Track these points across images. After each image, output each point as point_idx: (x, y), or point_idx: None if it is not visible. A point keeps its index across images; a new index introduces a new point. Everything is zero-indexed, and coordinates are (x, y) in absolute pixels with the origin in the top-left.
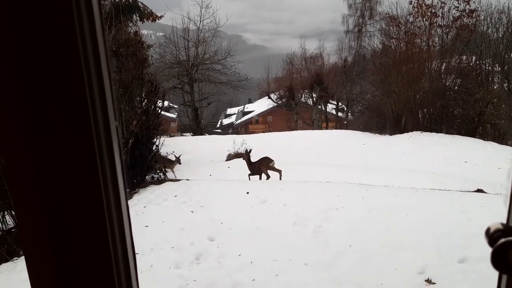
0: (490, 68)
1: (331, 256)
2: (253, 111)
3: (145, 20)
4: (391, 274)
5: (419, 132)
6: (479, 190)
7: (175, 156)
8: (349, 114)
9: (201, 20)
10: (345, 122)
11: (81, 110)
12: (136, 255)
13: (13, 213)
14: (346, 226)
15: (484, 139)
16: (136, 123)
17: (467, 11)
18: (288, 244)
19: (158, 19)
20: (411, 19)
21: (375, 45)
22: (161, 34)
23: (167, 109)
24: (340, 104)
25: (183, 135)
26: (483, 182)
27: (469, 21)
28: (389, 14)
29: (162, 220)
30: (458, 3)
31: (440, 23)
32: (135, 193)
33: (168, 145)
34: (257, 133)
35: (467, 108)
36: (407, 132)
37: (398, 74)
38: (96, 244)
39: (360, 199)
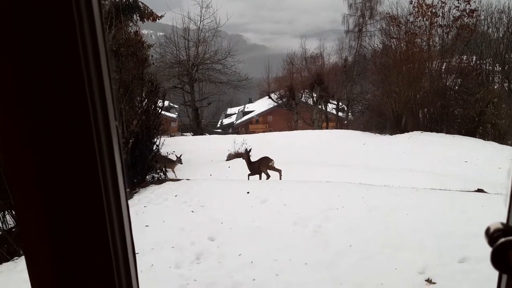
0: (490, 68)
1: (331, 255)
2: (253, 111)
3: (145, 20)
4: (391, 274)
5: (419, 132)
6: (479, 190)
7: (176, 156)
8: (349, 114)
9: (202, 20)
10: (345, 122)
11: (81, 110)
12: (137, 255)
13: (14, 212)
14: (346, 226)
15: (484, 139)
16: (137, 123)
17: (467, 11)
18: (288, 244)
19: (159, 19)
20: (411, 19)
21: (376, 45)
22: (161, 34)
23: (168, 109)
24: (340, 104)
25: (183, 135)
26: (484, 181)
27: (470, 21)
28: (389, 14)
29: (163, 220)
30: (458, 3)
31: (440, 23)
32: (136, 192)
33: (168, 145)
34: (258, 133)
35: (467, 108)
36: (408, 132)
37: (399, 74)
38: (96, 244)
39: (360, 199)
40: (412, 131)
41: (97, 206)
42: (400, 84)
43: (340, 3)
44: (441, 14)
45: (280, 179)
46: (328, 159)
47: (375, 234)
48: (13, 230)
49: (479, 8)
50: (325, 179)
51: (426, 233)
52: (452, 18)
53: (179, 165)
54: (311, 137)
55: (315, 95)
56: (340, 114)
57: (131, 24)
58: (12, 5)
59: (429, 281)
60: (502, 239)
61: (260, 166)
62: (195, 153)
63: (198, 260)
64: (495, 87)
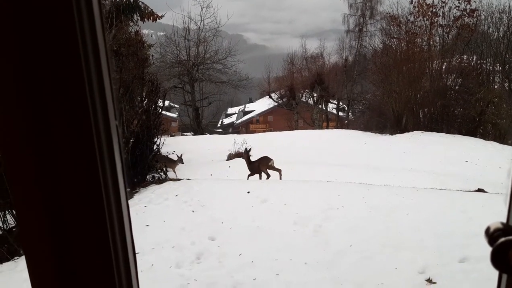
0: (491, 67)
1: (332, 255)
2: (253, 110)
3: (146, 19)
4: (392, 273)
5: (420, 131)
6: (480, 190)
7: (177, 155)
8: (349, 113)
9: (202, 19)
10: (345, 121)
11: (81, 110)
12: (137, 255)
13: (14, 212)
14: (347, 226)
15: (485, 139)
16: (137, 123)
17: (468, 10)
18: (288, 244)
19: (159, 19)
20: (412, 19)
21: (376, 45)
22: (162, 33)
23: (168, 109)
24: (341, 103)
25: (184, 135)
26: (484, 181)
27: (470, 21)
28: (389, 13)
29: (163, 220)
30: (459, 2)
31: (441, 23)
32: (136, 192)
33: (169, 145)
34: (258, 132)
35: (468, 107)
36: (408, 131)
37: (399, 74)
38: (96, 244)
39: (360, 199)
40: (412, 131)
41: (97, 206)
42: (400, 84)
43: (340, 3)
44: (441, 14)
45: (280, 178)
46: (329, 159)
47: (375, 234)
48: (14, 229)
49: (480, 8)
50: (326, 179)
51: (427, 233)
52: (452, 18)
53: (180, 164)
54: (312, 137)
55: (315, 95)
56: (340, 114)
57: (131, 24)
58: (12, 5)
59: (429, 280)
60: (502, 239)
61: (260, 166)
62: (196, 153)
63: (199, 260)
64: (496, 86)
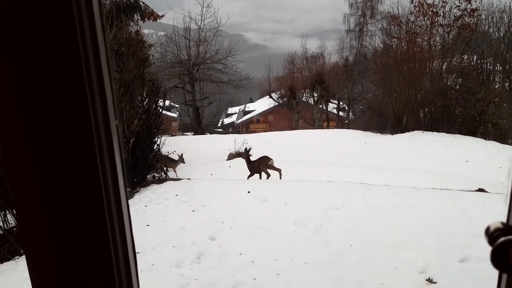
0: (491, 67)
1: (332, 255)
2: (254, 110)
3: (146, 19)
4: (392, 273)
5: (420, 131)
6: (480, 190)
7: (178, 155)
8: (350, 113)
9: (202, 19)
10: (346, 121)
11: (81, 110)
12: (137, 254)
13: (14, 212)
14: (347, 226)
15: (485, 139)
16: (138, 122)
17: (468, 10)
18: (289, 244)
19: (159, 19)
20: (412, 18)
21: (376, 45)
22: (162, 33)
23: (168, 109)
24: (341, 103)
25: (184, 135)
26: (485, 181)
27: (471, 20)
28: (390, 13)
29: (163, 219)
30: (459, 2)
31: (441, 22)
32: (136, 192)
33: (169, 145)
34: (258, 132)
35: (468, 107)
36: (408, 131)
37: (399, 74)
38: (96, 244)
39: (361, 199)
40: (413, 130)
41: (97, 206)
42: (401, 83)
43: (340, 2)
44: (442, 14)
45: (280, 178)
46: (329, 159)
47: (376, 234)
48: (14, 229)
49: (480, 7)
50: (326, 179)
51: (427, 233)
52: (453, 18)
53: (180, 164)
54: (312, 136)
55: (316, 94)
56: (341, 113)
57: (132, 23)
58: (12, 5)
59: (429, 280)
60: (502, 238)
61: (260, 166)
62: (196, 153)
63: (199, 260)
64: (496, 86)
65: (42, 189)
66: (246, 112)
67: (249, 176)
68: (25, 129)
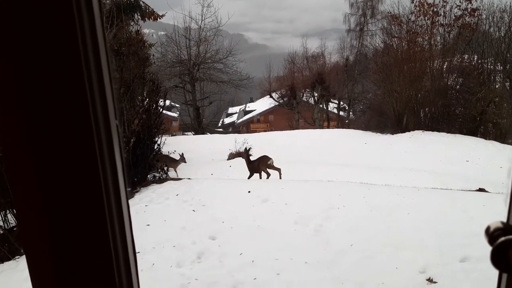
0: (492, 67)
1: (332, 255)
2: (254, 110)
3: (146, 19)
4: (393, 273)
5: (420, 131)
6: (480, 189)
7: (179, 154)
8: (350, 113)
9: (203, 19)
10: (346, 121)
11: (81, 110)
12: (138, 254)
13: (15, 211)
14: (348, 225)
15: (486, 138)
16: (138, 122)
17: (469, 10)
18: (289, 243)
19: (160, 18)
20: (413, 18)
21: (377, 44)
22: (162, 33)
23: (169, 108)
24: (341, 103)
25: (184, 134)
26: (485, 181)
27: (471, 20)
28: (390, 13)
29: (164, 219)
30: (460, 2)
31: (442, 22)
32: (137, 192)
33: (169, 144)
34: (259, 132)
35: (468, 107)
36: (409, 131)
37: (400, 73)
38: (96, 244)
39: (361, 198)
40: (413, 130)
41: (97, 206)
42: (401, 83)
43: (341, 2)
44: (442, 13)
45: (280, 178)
46: (329, 158)
47: (376, 234)
48: (15, 229)
49: (481, 7)
50: (326, 178)
51: (427, 233)
52: (453, 17)
53: (182, 163)
54: (312, 136)
55: (316, 94)
56: (341, 113)
57: (132, 23)
58: (12, 5)
59: (430, 280)
60: (502, 238)
61: (260, 165)
62: (196, 152)
63: (199, 259)
64: (497, 86)
65: (42, 189)
66: (246, 112)
67: (249, 177)
68: (25, 129)
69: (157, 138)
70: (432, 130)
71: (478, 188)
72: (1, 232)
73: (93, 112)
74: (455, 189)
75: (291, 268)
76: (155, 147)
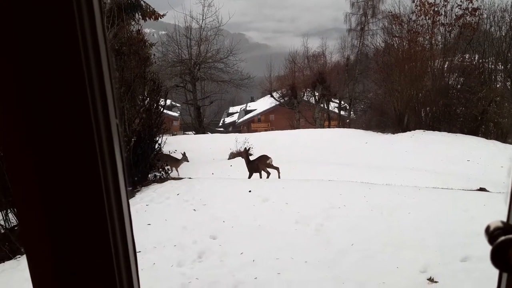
0: (493, 66)
1: (333, 254)
2: (255, 109)
3: (147, 18)
4: (393, 272)
5: (421, 130)
6: (481, 189)
7: (181, 153)
8: (351, 112)
9: (204, 18)
10: (347, 120)
11: (81, 110)
12: (139, 253)
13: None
14: (348, 225)
15: (487, 138)
16: (139, 122)
17: (470, 9)
18: (290, 243)
19: (161, 18)
20: (413, 18)
21: (378, 44)
22: (163, 32)
23: (170, 108)
24: (342, 102)
25: (185, 134)
26: (486, 180)
27: (472, 20)
28: (391, 12)
29: (165, 218)
30: (461, 1)
31: (443, 22)
32: (138, 191)
33: (170, 144)
34: (260, 131)
35: (469, 106)
36: (410, 130)
37: (401, 73)
38: (97, 244)
39: (362, 198)
40: (414, 129)
41: (98, 206)
42: (402, 82)
43: (342, 1)
44: (443, 13)
45: (279, 177)
46: (330, 158)
47: (377, 233)
48: (16, 228)
49: (482, 6)
50: (327, 178)
51: (428, 232)
52: (454, 17)
53: (184, 163)
54: (313, 135)
55: (317, 93)
56: (342, 112)
57: (133, 22)
58: (12, 5)
59: (431, 280)
60: (502, 238)
61: (259, 165)
62: (197, 152)
63: (200, 259)
64: (498, 85)
65: (42, 189)
66: (247, 111)
67: (249, 176)
68: (25, 129)
69: (158, 138)
70: (433, 130)
71: (479, 188)
72: (2, 231)
73: (93, 112)
74: (456, 188)
75: (291, 267)
76: (156, 147)
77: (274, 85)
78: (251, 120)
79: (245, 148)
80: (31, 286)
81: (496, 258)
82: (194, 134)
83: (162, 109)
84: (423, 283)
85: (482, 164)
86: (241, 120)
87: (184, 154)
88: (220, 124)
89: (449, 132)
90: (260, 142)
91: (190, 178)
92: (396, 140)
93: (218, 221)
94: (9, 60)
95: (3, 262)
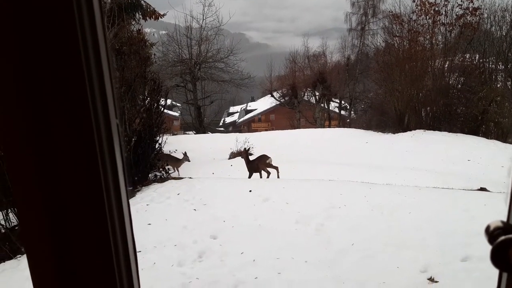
0: (493, 66)
1: (334, 254)
2: (255, 109)
3: (148, 18)
4: (394, 272)
5: (422, 130)
6: (482, 189)
7: (182, 153)
8: (352, 112)
9: (204, 18)
10: (348, 120)
11: (82, 110)
12: (139, 253)
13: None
14: (349, 225)
15: (487, 138)
16: (139, 121)
17: (470, 9)
18: (290, 242)
19: (161, 17)
20: (414, 17)
21: (378, 43)
22: (164, 32)
23: (170, 108)
24: (343, 102)
25: (186, 134)
26: (486, 180)
27: (473, 19)
28: (392, 12)
29: (165, 218)
30: (461, 1)
31: (443, 21)
32: (138, 191)
33: (171, 144)
34: (260, 131)
35: (470, 106)
36: (410, 130)
37: (401, 72)
38: (97, 244)
39: (362, 198)
40: (414, 129)
41: (98, 206)
42: (402, 82)
43: (342, 1)
44: (444, 12)
45: (278, 177)
46: (331, 158)
47: (377, 233)
48: (16, 228)
49: (482, 6)
50: (328, 178)
51: (429, 232)
52: (455, 17)
53: (185, 162)
54: (314, 135)
55: (317, 93)
56: (342, 112)
57: (133, 22)
58: (12, 5)
59: (431, 279)
60: (502, 237)
61: (259, 164)
62: (198, 152)
63: (201, 258)
64: (498, 85)
65: (42, 189)
66: (247, 111)
67: (249, 176)
68: (25, 129)
69: (158, 137)
70: (434, 129)
71: (479, 188)
72: (3, 231)
73: (93, 112)
74: (456, 188)
75: (292, 267)
76: (156, 146)
77: (275, 85)
78: (252, 119)
79: (245, 148)
80: (32, 286)
81: (496, 258)
82: (195, 133)
83: (162, 108)
84: (423, 283)
85: (482, 164)
86: (241, 119)
87: (185, 154)
88: (221, 124)
89: (449, 132)
90: (260, 142)
91: (190, 178)
92: (397, 140)
93: (219, 221)
94: (9, 60)
95: (4, 261)
